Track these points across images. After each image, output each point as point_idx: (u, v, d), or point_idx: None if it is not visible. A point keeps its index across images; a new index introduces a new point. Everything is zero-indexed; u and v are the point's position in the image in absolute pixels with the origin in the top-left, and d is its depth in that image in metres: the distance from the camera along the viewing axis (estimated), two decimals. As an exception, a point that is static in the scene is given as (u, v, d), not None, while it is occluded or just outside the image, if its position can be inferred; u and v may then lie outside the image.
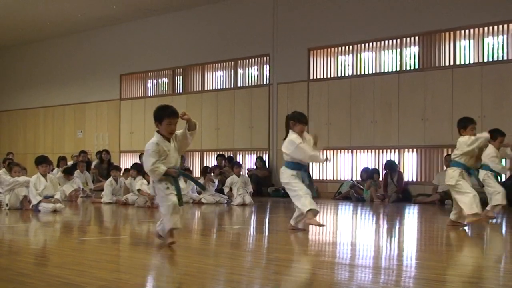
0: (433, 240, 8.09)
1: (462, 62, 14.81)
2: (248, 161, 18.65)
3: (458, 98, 14.65)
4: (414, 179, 15.52)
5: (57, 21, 21.70)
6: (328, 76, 17.02)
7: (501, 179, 11.65)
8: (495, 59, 14.49)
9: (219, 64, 19.49)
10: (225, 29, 19.09)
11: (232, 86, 19.04)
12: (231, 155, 18.39)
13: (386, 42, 15.97)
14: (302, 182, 7.91)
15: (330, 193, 16.34)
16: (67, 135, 23.69)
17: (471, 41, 14.70)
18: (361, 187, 15.53)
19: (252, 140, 18.39)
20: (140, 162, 17.44)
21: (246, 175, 15.76)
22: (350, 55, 16.66)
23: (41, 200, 11.24)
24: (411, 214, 11.99)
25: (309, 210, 7.77)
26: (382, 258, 6.31)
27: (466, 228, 8.75)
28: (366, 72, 16.38)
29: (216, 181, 15.28)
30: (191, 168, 18.00)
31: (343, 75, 16.82)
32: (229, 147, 18.87)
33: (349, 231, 9.17)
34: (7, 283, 4.73)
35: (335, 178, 16.61)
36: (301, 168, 7.94)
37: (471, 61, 14.67)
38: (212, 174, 15.56)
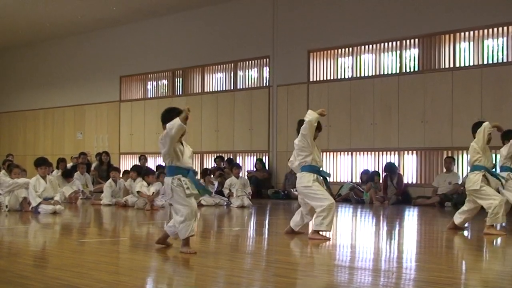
0: (432, 243, 8.08)
1: (462, 65, 14.81)
2: (248, 163, 18.64)
3: (458, 100, 14.65)
4: (414, 181, 15.51)
5: (57, 22, 21.70)
6: (328, 78, 17.01)
7: None
8: (495, 61, 14.48)
9: (219, 66, 19.49)
10: (225, 31, 19.09)
11: (232, 88, 19.04)
12: (231, 157, 18.39)
13: (386, 44, 15.97)
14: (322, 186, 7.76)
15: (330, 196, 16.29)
16: (67, 136, 23.68)
17: (471, 43, 14.70)
18: (361, 189, 15.52)
19: (252, 142, 18.38)
20: (139, 164, 17.48)
21: (246, 177, 15.76)
22: (350, 57, 16.66)
23: (41, 202, 11.22)
24: (411, 217, 11.98)
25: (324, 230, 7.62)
26: (382, 260, 6.31)
27: (466, 231, 8.74)
28: (366, 74, 16.37)
29: (216, 183, 15.28)
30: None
31: (343, 77, 16.82)
32: (229, 149, 18.86)
33: (349, 233, 9.17)
34: (6, 285, 4.73)
35: (335, 180, 16.58)
36: (319, 171, 7.83)
37: (471, 64, 14.67)
38: (212, 176, 15.56)
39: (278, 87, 17.82)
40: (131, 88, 21.86)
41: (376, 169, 15.80)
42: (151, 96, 21.36)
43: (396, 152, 15.74)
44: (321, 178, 7.82)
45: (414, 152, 15.50)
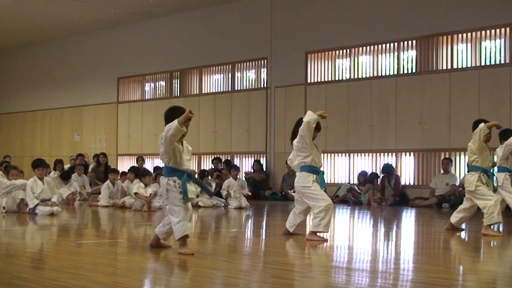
0: (430, 244, 8.09)
1: (460, 66, 14.83)
2: (246, 164, 18.64)
3: (456, 102, 14.66)
4: (412, 183, 15.52)
5: (55, 24, 21.67)
6: (326, 79, 17.03)
7: None
8: (493, 63, 14.50)
9: (217, 67, 19.50)
10: (223, 32, 19.09)
11: (230, 89, 19.04)
12: (229, 158, 18.38)
13: (384, 45, 15.98)
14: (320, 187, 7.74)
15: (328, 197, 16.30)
16: (64, 138, 23.65)
17: (469, 45, 14.72)
18: (359, 190, 15.53)
19: (249, 143, 18.38)
20: (137, 165, 17.47)
21: (243, 178, 15.76)
22: (348, 58, 16.67)
23: (38, 203, 11.21)
24: (408, 218, 11.99)
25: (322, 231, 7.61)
26: (379, 261, 6.32)
27: (463, 232, 8.75)
28: (364, 76, 16.38)
29: (214, 184, 15.27)
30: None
31: (340, 78, 16.83)
32: (226, 150, 18.86)
33: (346, 235, 9.17)
34: (4, 286, 4.72)
35: (332, 182, 16.60)
36: (318, 172, 7.83)
37: (469, 65, 14.69)
38: (210, 177, 15.56)
39: (276, 88, 17.83)
40: (129, 90, 21.86)
41: (374, 171, 15.80)
42: (148, 98, 21.36)
43: (394, 154, 15.75)
44: (320, 179, 7.80)
45: (412, 153, 15.51)
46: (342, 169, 16.78)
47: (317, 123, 7.74)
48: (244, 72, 18.90)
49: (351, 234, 9.32)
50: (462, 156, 14.60)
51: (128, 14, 20.38)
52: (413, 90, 15.32)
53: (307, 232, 7.85)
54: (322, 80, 17.07)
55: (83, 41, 23.14)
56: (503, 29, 14.17)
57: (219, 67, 19.39)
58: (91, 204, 14.39)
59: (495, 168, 9.82)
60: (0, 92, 26.35)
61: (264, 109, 18.05)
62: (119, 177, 14.79)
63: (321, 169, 7.90)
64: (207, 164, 19.13)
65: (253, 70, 18.70)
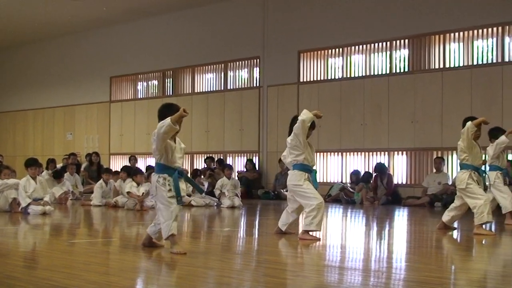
0: (422, 243, 8.11)
1: (452, 65, 14.87)
2: (238, 164, 18.64)
3: (448, 100, 14.70)
4: (404, 182, 15.55)
5: (47, 23, 21.59)
6: (318, 78, 17.04)
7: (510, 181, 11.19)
8: (485, 62, 14.54)
9: (209, 66, 19.49)
10: (215, 32, 19.08)
11: (222, 88, 19.03)
12: (221, 158, 18.37)
13: (376, 44, 16.01)
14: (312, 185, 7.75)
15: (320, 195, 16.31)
16: (56, 137, 23.60)
17: (461, 44, 14.76)
18: (351, 189, 15.55)
19: (242, 142, 18.38)
20: (129, 165, 17.45)
21: (236, 178, 15.76)
22: (340, 57, 16.69)
23: (31, 203, 11.19)
24: (401, 217, 12.02)
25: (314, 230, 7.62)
26: (372, 260, 6.33)
27: (455, 231, 8.77)
28: (356, 75, 16.40)
29: (206, 184, 15.26)
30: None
31: (333, 77, 16.85)
32: (219, 150, 18.86)
33: (339, 234, 9.18)
34: (-5, 286, 4.71)
35: (325, 181, 16.61)
36: (311, 170, 7.83)
37: (461, 64, 14.73)
38: (202, 176, 15.55)
39: (269, 87, 17.83)
40: (121, 89, 21.82)
41: (367, 170, 15.83)
42: (141, 97, 21.34)
43: (386, 153, 15.78)
44: (312, 178, 7.80)
45: (404, 152, 15.54)
46: (334, 168, 16.80)
47: (312, 121, 7.74)
48: (237, 71, 18.90)
49: (344, 233, 9.33)
50: (454, 155, 14.61)
51: (121, 13, 20.34)
52: (406, 89, 15.35)
53: (300, 231, 7.87)
54: (315, 79, 17.09)
55: (75, 40, 23.08)
56: (495, 29, 14.22)
57: (212, 66, 19.38)
58: (83, 203, 14.36)
59: (487, 167, 9.87)
60: (-8, 91, 26.29)
61: (256, 108, 18.06)
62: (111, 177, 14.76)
63: (314, 168, 7.91)
64: (200, 163, 19.12)
65: (246, 69, 18.70)
